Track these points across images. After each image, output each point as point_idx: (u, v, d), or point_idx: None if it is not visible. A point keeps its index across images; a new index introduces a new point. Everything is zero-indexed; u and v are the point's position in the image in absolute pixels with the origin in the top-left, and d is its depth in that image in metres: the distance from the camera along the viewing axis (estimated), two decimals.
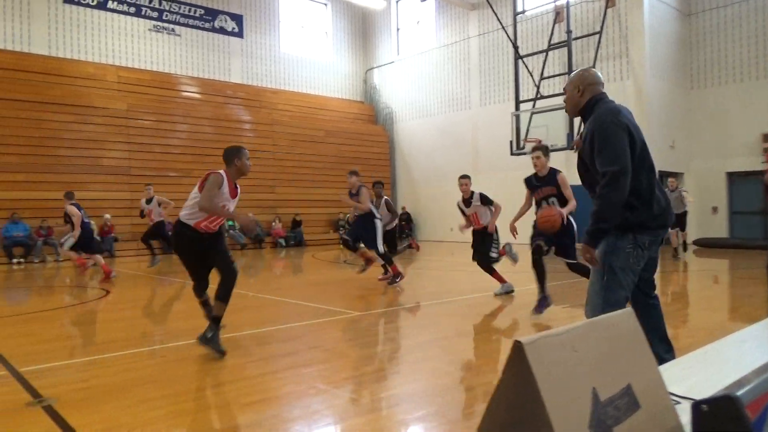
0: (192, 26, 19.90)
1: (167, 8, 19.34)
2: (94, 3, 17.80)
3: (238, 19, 20.93)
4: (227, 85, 20.54)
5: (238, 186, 4.65)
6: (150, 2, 18.97)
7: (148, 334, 5.64)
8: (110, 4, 18.11)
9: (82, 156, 16.15)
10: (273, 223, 19.30)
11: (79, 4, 17.50)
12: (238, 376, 3.89)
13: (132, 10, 18.58)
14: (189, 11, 19.84)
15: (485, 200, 7.23)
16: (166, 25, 19.30)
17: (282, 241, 19.04)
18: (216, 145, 18.73)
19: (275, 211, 19.72)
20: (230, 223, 17.86)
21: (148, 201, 11.07)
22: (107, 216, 15.61)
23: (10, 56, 16.03)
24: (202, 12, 20.11)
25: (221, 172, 4.46)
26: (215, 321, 4.39)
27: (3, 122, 14.95)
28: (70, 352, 4.76)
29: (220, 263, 4.44)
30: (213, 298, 4.52)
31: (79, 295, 8.75)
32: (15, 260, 13.90)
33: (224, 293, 4.38)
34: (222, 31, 20.61)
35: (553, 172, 5.76)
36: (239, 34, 20.99)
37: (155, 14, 19.11)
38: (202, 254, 4.55)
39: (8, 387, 3.67)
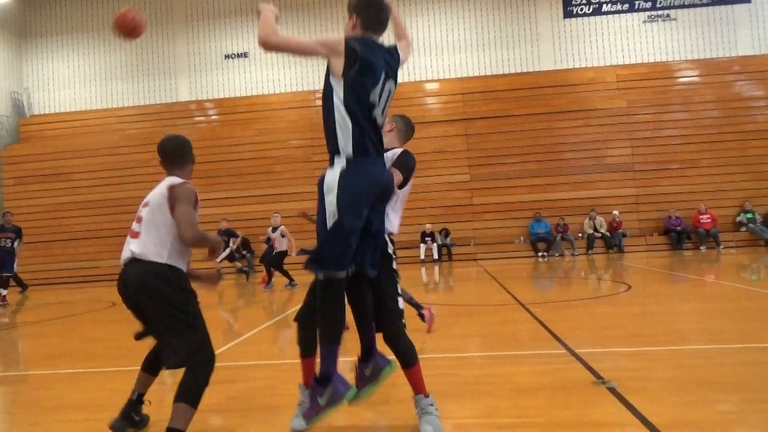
0: (689, 6, 18.59)
1: None
2: (590, 11, 18.82)
3: None
4: (733, 60, 18.28)
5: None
6: None
7: (687, 332, 5.53)
8: (605, 7, 18.79)
9: (587, 157, 17.28)
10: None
11: (577, 15, 18.84)
12: None
13: (625, 6, 18.76)
14: None
15: None
16: (660, 12, 18.67)
17: None
18: (723, 129, 17.00)
19: None
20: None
21: (274, 229, 11.27)
22: (615, 213, 16.20)
23: (525, 77, 18.66)
24: None
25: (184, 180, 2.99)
26: None
27: (524, 134, 17.51)
28: (615, 340, 5.10)
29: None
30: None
31: (596, 289, 9.36)
32: (540, 254, 16.05)
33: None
34: (724, 1, 18.48)
35: None
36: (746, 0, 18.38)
37: (648, 4, 18.73)
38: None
39: (571, 365, 4.20)
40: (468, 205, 17.62)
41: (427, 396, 2.82)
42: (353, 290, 2.73)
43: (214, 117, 19.81)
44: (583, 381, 3.74)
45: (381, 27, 2.74)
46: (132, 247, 2.86)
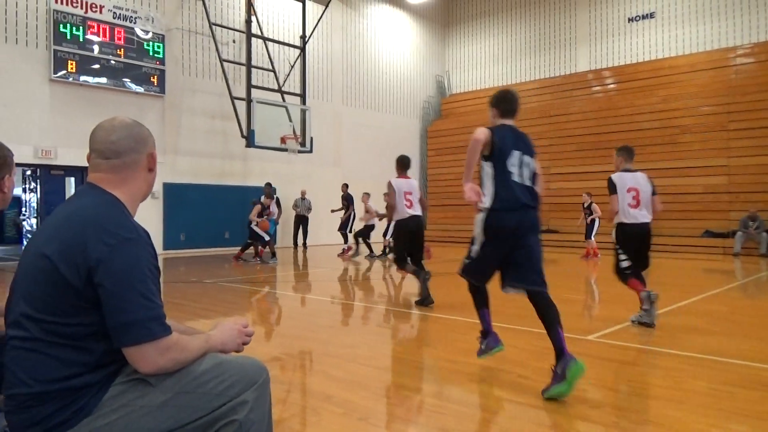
0: None
1: None
2: None
3: None
4: None
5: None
6: None
7: None
8: None
9: None
10: None
11: None
12: None
13: None
14: None
15: None
16: None
17: None
18: None
19: None
20: None
21: None
22: None
23: None
24: None
25: None
26: None
27: None
28: None
29: None
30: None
31: None
32: None
33: None
34: None
35: None
36: None
37: None
38: None
39: None
40: None
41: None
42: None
43: (611, 85, 19.04)
44: None
45: (513, 114, 3.74)
46: (416, 210, 6.87)
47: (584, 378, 3.70)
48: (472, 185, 3.45)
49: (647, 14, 18.46)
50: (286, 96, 15.80)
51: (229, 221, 15.59)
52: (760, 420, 2.98)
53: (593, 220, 13.00)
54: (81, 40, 12.73)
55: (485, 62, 22.29)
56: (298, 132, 15.09)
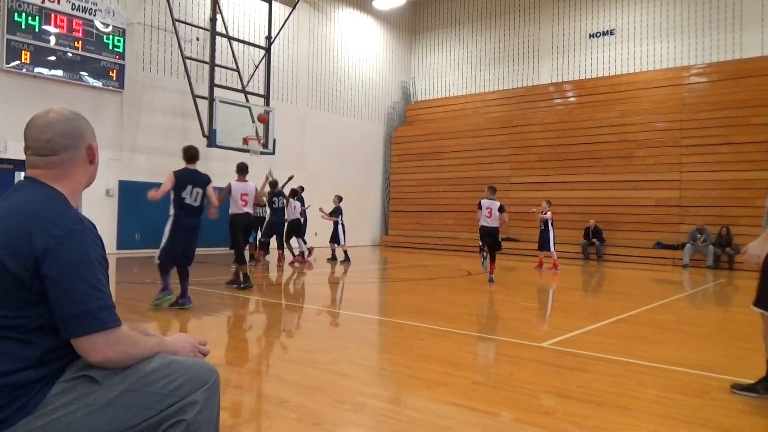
0: None
1: None
2: None
3: None
4: None
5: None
6: None
7: None
8: None
9: None
10: None
11: None
12: None
13: None
14: None
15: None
16: None
17: None
18: None
19: None
20: None
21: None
22: None
23: None
24: None
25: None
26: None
27: None
28: None
29: None
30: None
31: None
32: None
33: None
34: None
35: None
36: None
37: None
38: None
39: None
40: None
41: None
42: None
43: (572, 99, 19.52)
44: None
45: (192, 161, 6.42)
46: (249, 209, 8.79)
47: (537, 384, 3.77)
48: (153, 193, 5.98)
49: (608, 31, 19.01)
50: (249, 96, 15.61)
51: None
52: (701, 426, 3.08)
53: (548, 229, 12.62)
54: (37, 30, 12.30)
55: (450, 71, 22.54)
56: (261, 133, 14.92)
